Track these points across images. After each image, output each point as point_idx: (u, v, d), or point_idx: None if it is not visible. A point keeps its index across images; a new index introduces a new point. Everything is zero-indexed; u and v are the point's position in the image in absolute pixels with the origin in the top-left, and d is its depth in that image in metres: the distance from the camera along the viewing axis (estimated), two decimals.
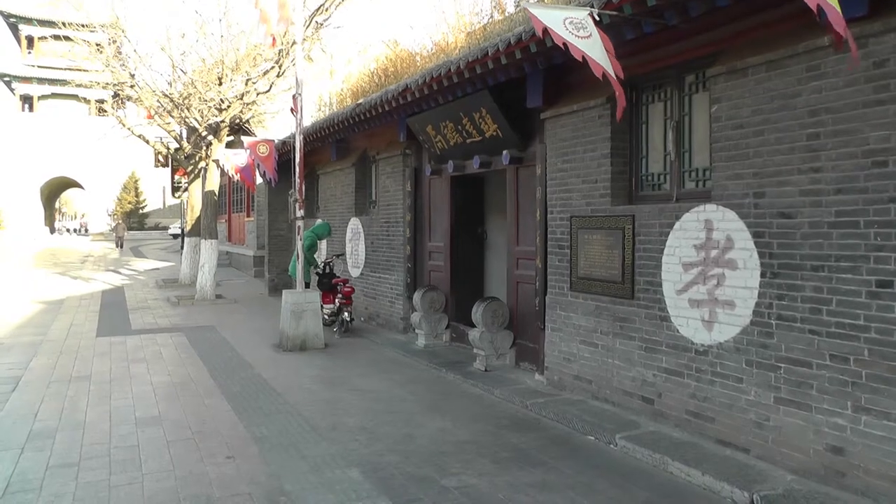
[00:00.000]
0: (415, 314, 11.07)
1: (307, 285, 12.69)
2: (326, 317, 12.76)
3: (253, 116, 20.20)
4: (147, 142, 20.79)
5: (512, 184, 9.20)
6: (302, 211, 11.80)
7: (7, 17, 60.90)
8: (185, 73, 17.82)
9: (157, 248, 42.84)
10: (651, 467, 5.77)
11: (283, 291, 11.61)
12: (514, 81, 8.24)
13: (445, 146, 10.37)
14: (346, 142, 14.54)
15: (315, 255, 13.50)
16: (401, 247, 12.18)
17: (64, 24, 20.64)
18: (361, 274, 13.80)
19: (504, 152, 8.90)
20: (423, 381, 9.05)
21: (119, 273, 26.88)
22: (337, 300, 12.67)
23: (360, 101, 11.84)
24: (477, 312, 9.11)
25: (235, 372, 9.63)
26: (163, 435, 6.74)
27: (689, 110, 6.69)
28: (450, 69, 8.38)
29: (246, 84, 17.17)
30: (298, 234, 11.77)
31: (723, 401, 5.82)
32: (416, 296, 11.01)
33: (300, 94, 11.78)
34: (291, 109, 12.06)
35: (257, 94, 17.36)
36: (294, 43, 12.15)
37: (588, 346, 7.46)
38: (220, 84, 17.08)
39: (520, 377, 8.70)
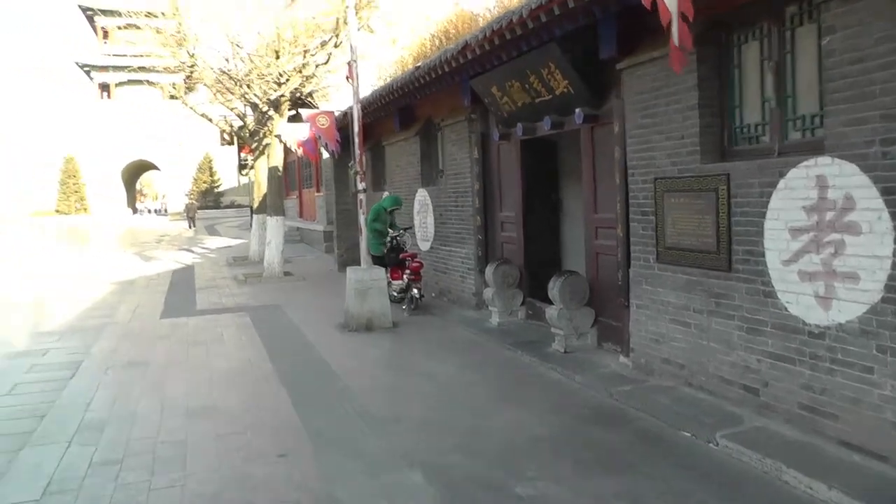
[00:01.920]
0: (487, 290, 10.34)
1: (379, 260, 12.17)
2: (395, 294, 12.19)
3: (316, 90, 19.72)
4: (210, 120, 20.74)
5: (587, 145, 8.33)
6: (363, 184, 11.18)
7: (84, 10, 62.68)
8: (241, 47, 17.37)
9: (231, 225, 43.09)
10: (761, 473, 4.87)
11: (348, 269, 11.07)
12: (584, 30, 7.33)
13: (513, 108, 9.54)
14: (409, 110, 13.80)
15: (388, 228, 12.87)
16: (470, 218, 11.44)
17: (132, 13, 20.63)
18: (431, 247, 13.13)
19: (577, 111, 8.02)
20: (495, 363, 8.34)
21: (192, 252, 27.00)
22: (405, 276, 12.06)
23: (419, 64, 11.11)
24: (554, 288, 8.31)
25: (296, 355, 9.18)
26: (213, 428, 6.30)
27: (791, 48, 5.68)
28: (511, 20, 7.53)
29: (304, 56, 16.61)
30: (361, 207, 11.17)
31: (847, 394, 4.87)
32: (488, 270, 10.27)
33: (355, 61, 11.15)
34: (347, 77, 11.49)
35: (316, 67, 16.79)
36: (348, 7, 11.45)
37: (679, 325, 6.58)
38: (278, 58, 16.56)
39: (602, 360, 7.85)
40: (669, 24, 4.84)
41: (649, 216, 6.94)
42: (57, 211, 63.84)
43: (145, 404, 7.16)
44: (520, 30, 7.59)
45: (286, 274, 17.40)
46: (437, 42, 13.34)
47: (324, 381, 7.83)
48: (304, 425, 6.27)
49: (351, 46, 11.27)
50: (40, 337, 11.34)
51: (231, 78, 17.74)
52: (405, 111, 13.80)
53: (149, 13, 19.26)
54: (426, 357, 8.77)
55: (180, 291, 15.88)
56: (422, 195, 13.40)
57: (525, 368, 8.04)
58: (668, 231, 6.66)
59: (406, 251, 12.58)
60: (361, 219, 11.23)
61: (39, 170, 64.56)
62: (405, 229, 13.28)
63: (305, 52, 16.67)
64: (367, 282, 10.66)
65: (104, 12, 61.08)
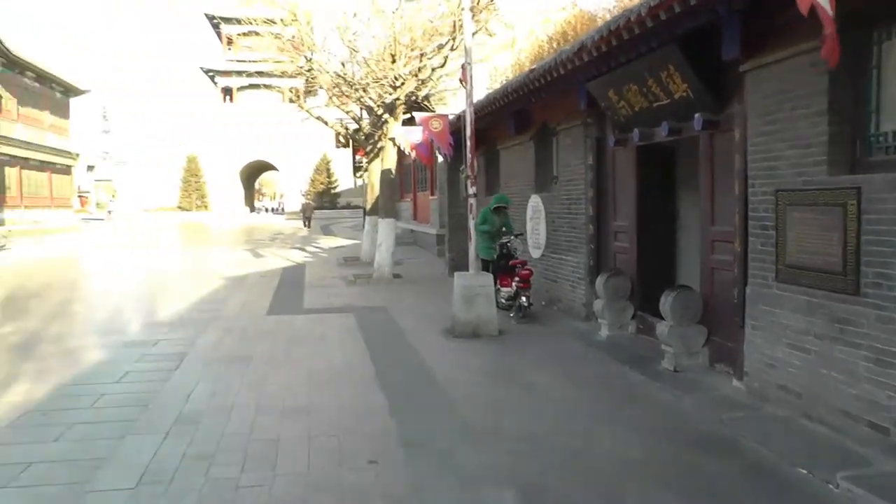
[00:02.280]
0: (597, 301, 9.97)
1: (487, 265, 11.98)
2: (503, 301, 11.96)
3: (432, 94, 19.70)
4: (326, 123, 21.02)
5: (705, 152, 7.86)
6: (474, 188, 10.99)
7: (210, 18, 65.39)
8: (356, 51, 17.49)
9: (346, 226, 43.85)
10: None
11: (455, 274, 10.93)
12: (705, 30, 6.92)
13: (629, 112, 9.15)
14: (524, 114, 13.53)
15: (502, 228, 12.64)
16: (583, 226, 11.08)
17: (252, 20, 21.23)
18: (542, 255, 12.82)
19: (696, 116, 7.58)
20: (602, 379, 7.97)
21: (304, 251, 27.55)
22: (514, 283, 11.80)
23: (534, 66, 10.83)
24: (665, 303, 7.89)
25: (398, 359, 9.08)
26: (306, 429, 6.25)
27: None
28: (629, 19, 7.16)
29: (420, 59, 16.57)
30: (471, 212, 10.99)
31: None
32: (599, 281, 9.90)
33: (470, 64, 10.98)
34: (461, 80, 11.34)
35: (432, 70, 16.72)
36: (463, 9, 11.29)
37: (798, 350, 6.06)
38: (394, 62, 16.59)
39: (714, 382, 7.39)
40: (811, 12, 4.35)
41: (769, 231, 6.45)
42: (179, 207, 66.85)
43: (242, 400, 7.24)
44: (638, 29, 7.22)
45: (396, 276, 17.41)
46: (554, 45, 13.02)
47: (424, 387, 7.68)
48: (399, 432, 6.14)
49: (465, 49, 11.13)
50: (153, 328, 11.75)
51: (347, 82, 17.89)
52: (520, 115, 13.54)
53: (268, 20, 19.70)
54: (531, 368, 8.48)
55: (289, 289, 16.11)
56: (535, 201, 13.11)
57: (633, 386, 7.66)
58: (790, 248, 6.16)
59: (516, 258, 12.32)
60: (471, 223, 11.04)
61: (164, 168, 67.70)
62: (516, 235, 13.00)
63: (422, 55, 16.64)
64: (475, 288, 10.47)
65: (227, 20, 63.60)
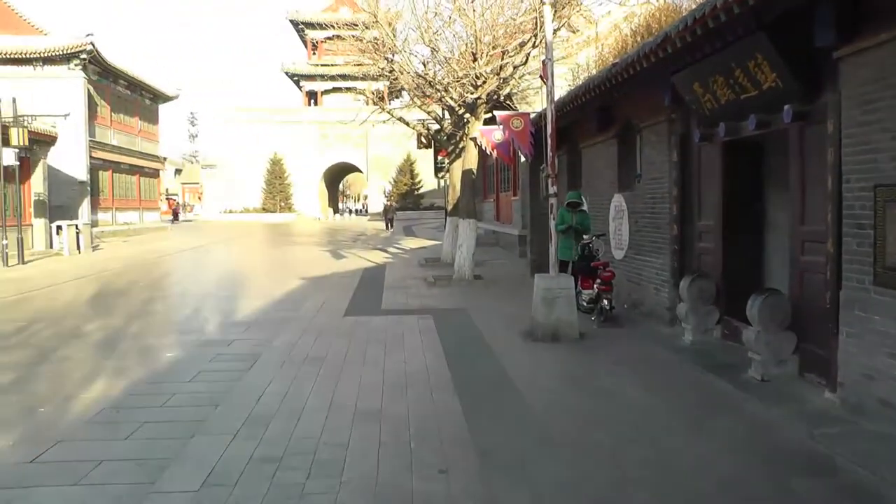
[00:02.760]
0: (681, 305, 9.52)
1: (565, 266, 11.67)
2: (584, 303, 11.62)
3: (515, 93, 19.39)
4: (407, 124, 20.97)
5: (795, 146, 7.36)
6: (555, 187, 10.68)
7: (295, 24, 66.66)
8: (437, 51, 17.32)
9: (428, 227, 43.90)
10: None
11: (536, 276, 10.68)
12: (796, 15, 6.44)
13: (715, 105, 8.68)
14: (606, 111, 13.09)
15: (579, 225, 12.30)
16: (666, 226, 10.62)
17: (335, 24, 21.38)
18: (625, 256, 12.39)
19: (785, 107, 7.09)
20: (685, 387, 7.57)
21: (385, 252, 27.60)
22: (596, 285, 11.42)
23: (616, 60, 10.43)
24: (753, 307, 7.42)
25: (476, 362, 8.88)
26: (377, 434, 6.09)
27: None
28: (715, 5, 6.72)
29: (502, 57, 16.28)
30: (552, 212, 10.68)
31: None
32: (683, 284, 9.45)
33: (550, 60, 10.69)
34: (541, 76, 11.04)
35: (514, 69, 16.41)
36: (544, 3, 10.97)
37: None
38: (475, 60, 16.36)
39: (804, 393, 6.88)
40: None
41: (866, 230, 5.94)
42: (263, 209, 67.90)
43: (314, 402, 7.13)
44: (724, 17, 6.77)
45: (476, 277, 17.20)
46: (638, 39, 12.57)
47: (501, 393, 7.44)
48: (473, 440, 5.91)
49: (546, 44, 10.83)
50: (230, 327, 11.82)
51: (428, 82, 17.77)
52: (603, 112, 13.11)
53: (350, 24, 19.77)
54: (611, 375, 8.14)
55: (368, 290, 16.11)
56: (618, 201, 12.69)
57: (717, 395, 7.23)
58: (890, 248, 5.65)
59: (598, 259, 11.95)
60: (552, 224, 10.73)
61: (249, 170, 69.26)
62: (598, 236, 12.63)
63: (503, 53, 16.35)
64: (556, 290, 10.15)
65: (309, 25, 64.76)
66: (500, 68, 16.35)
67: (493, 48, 16.25)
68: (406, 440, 5.94)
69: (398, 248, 28.97)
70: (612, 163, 13.04)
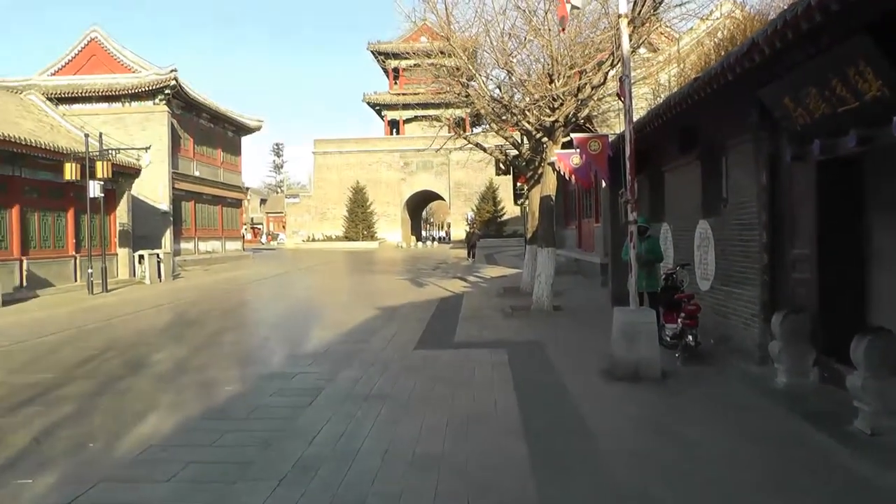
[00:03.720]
0: (773, 343, 8.57)
1: (644, 298, 11.01)
2: (668, 338, 10.83)
3: (595, 116, 18.67)
4: (484, 150, 20.55)
5: None
6: (634, 213, 9.91)
7: (376, 54, 67.46)
8: (512, 72, 16.76)
9: (510, 254, 43.28)
10: None
11: (615, 309, 9.99)
12: None
13: (808, 121, 7.78)
14: (688, 131, 12.22)
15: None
16: (756, 255, 9.70)
17: (413, 52, 21.32)
18: (711, 287, 11.48)
19: (894, 119, 6.19)
20: (778, 438, 6.69)
21: (464, 280, 27.20)
22: (680, 319, 10.56)
23: (699, 75, 9.62)
24: (858, 349, 6.50)
25: (548, 403, 8.25)
26: (433, 483, 5.63)
27: None
28: (809, 4, 5.91)
29: (579, 78, 15.58)
30: (631, 240, 9.92)
31: None
32: (775, 319, 8.51)
33: (628, 76, 9.98)
34: (618, 94, 10.33)
35: (592, 89, 15.68)
36: (620, 16, 10.26)
37: None
38: (551, 82, 15.71)
39: None
40: None
41: None
42: (346, 237, 68.82)
43: (370, 445, 6.72)
44: (820, 16, 5.94)
45: (555, 308, 16.49)
46: (722, 53, 11.72)
47: (572, 438, 6.80)
48: (538, 495, 5.36)
49: (623, 60, 10.17)
50: (296, 360, 11.61)
51: (504, 106, 17.24)
52: (685, 133, 12.26)
53: (426, 52, 19.54)
54: (695, 420, 7.34)
55: (442, 321, 15.65)
56: (703, 227, 11.80)
57: (815, 450, 6.34)
58: None
59: (683, 290, 11.08)
60: (632, 253, 9.96)
61: (331, 200, 71.10)
62: (682, 265, 11.76)
63: (581, 73, 15.65)
64: (637, 324, 9.43)
65: (390, 55, 65.47)
66: (578, 90, 15.67)
67: (571, 68, 15.58)
68: (463, 492, 5.45)
69: (478, 277, 28.46)
70: (695, 187, 12.17)
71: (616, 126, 19.72)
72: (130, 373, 10.74)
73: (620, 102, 13.78)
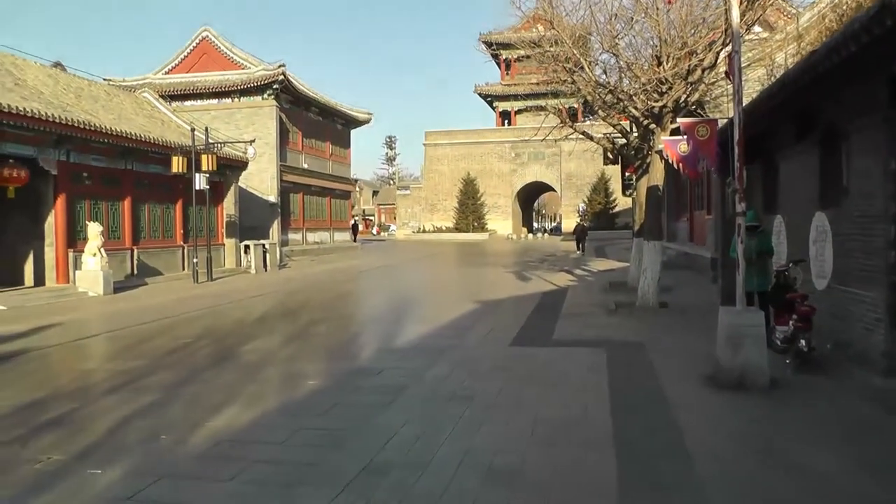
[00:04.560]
0: None
1: (752, 298, 10.21)
2: (778, 342, 9.90)
3: (707, 101, 17.60)
4: (591, 139, 19.81)
5: None
6: (742, 204, 9.06)
7: (489, 45, 67.19)
8: (617, 56, 15.88)
9: (621, 247, 41.61)
10: None
11: (721, 309, 9.21)
12: None
13: None
14: (805, 114, 11.09)
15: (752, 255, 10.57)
16: (881, 252, 8.62)
17: (525, 43, 20.97)
18: (828, 286, 10.40)
19: None
20: None
21: (571, 274, 26.45)
22: (792, 322, 9.59)
23: (816, 48, 8.63)
24: None
25: (644, 412, 7.56)
26: (507, 501, 5.15)
27: None
28: None
29: (689, 59, 14.59)
30: (738, 234, 9.10)
31: None
32: None
33: (737, 52, 9.20)
34: (726, 73, 9.53)
35: (703, 72, 14.66)
36: None
37: None
38: (659, 65, 14.77)
39: None
40: None
41: None
42: (456, 228, 68.92)
43: (446, 452, 6.32)
44: None
45: (662, 305, 15.65)
46: (843, 24, 10.61)
47: (667, 455, 6.12)
48: None
49: (732, 34, 9.38)
50: (385, 354, 11.46)
51: (610, 91, 16.42)
52: (801, 115, 11.17)
53: (534, 43, 18.94)
54: (808, 441, 6.47)
55: (542, 317, 15.14)
56: (819, 220, 10.73)
57: None
58: None
59: (796, 290, 10.09)
60: (739, 248, 9.12)
61: (442, 191, 71.78)
62: (796, 262, 10.74)
63: (691, 54, 14.65)
64: (743, 327, 8.61)
65: (502, 45, 65.09)
66: (688, 72, 14.72)
67: (680, 49, 14.62)
68: None
69: (585, 271, 27.66)
70: (811, 175, 11.09)
71: (729, 111, 18.55)
72: (218, 363, 10.89)
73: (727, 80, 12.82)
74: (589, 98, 17.58)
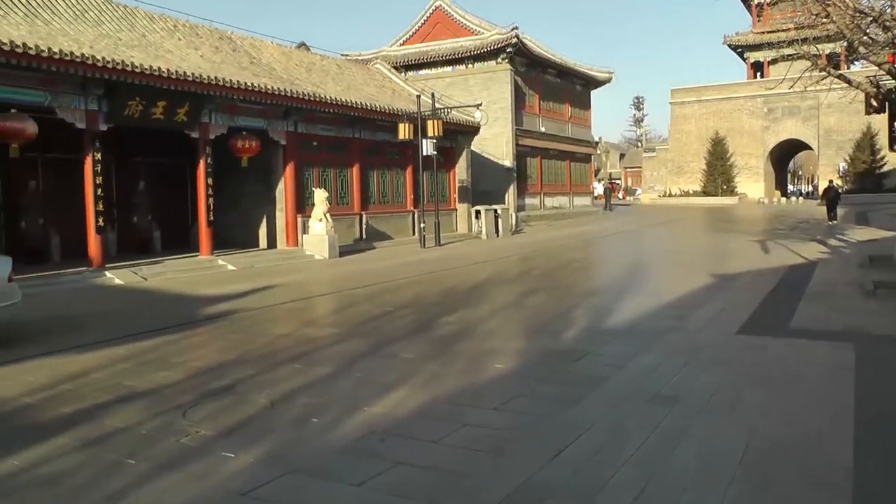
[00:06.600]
0: None
1: None
2: None
3: None
4: (849, 82, 17.09)
5: None
6: None
7: None
8: None
9: (888, 213, 36.32)
10: None
11: None
12: None
13: None
14: None
15: None
16: None
17: None
18: None
19: None
20: None
21: (823, 245, 23.46)
22: None
23: None
24: None
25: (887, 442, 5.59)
26: None
27: None
28: None
29: None
30: None
31: None
32: None
33: None
34: None
35: None
36: None
37: None
38: None
39: None
40: None
41: None
42: (703, 192, 65.58)
43: (624, 477, 4.86)
44: None
45: None
46: None
47: None
48: None
49: None
50: (593, 335, 10.43)
51: (874, 20, 13.91)
52: None
53: None
54: None
55: (782, 296, 13.11)
56: None
57: None
58: None
59: None
60: None
61: (689, 153, 68.50)
62: None
63: None
64: None
65: None
66: None
67: None
68: None
69: (841, 241, 24.54)
70: None
71: None
72: (410, 334, 10.49)
73: None
74: (847, 33, 15.07)
